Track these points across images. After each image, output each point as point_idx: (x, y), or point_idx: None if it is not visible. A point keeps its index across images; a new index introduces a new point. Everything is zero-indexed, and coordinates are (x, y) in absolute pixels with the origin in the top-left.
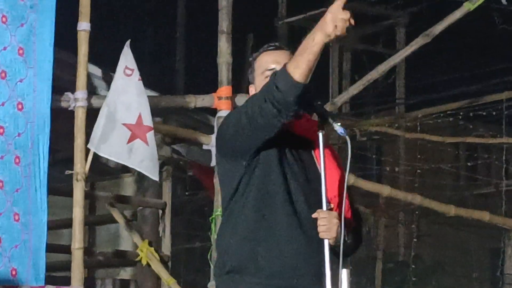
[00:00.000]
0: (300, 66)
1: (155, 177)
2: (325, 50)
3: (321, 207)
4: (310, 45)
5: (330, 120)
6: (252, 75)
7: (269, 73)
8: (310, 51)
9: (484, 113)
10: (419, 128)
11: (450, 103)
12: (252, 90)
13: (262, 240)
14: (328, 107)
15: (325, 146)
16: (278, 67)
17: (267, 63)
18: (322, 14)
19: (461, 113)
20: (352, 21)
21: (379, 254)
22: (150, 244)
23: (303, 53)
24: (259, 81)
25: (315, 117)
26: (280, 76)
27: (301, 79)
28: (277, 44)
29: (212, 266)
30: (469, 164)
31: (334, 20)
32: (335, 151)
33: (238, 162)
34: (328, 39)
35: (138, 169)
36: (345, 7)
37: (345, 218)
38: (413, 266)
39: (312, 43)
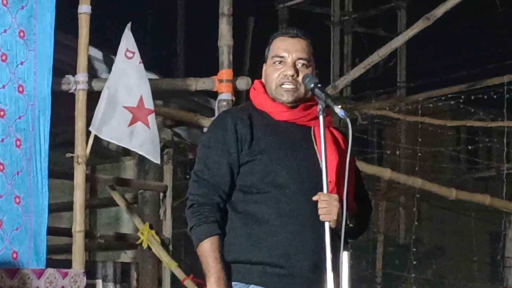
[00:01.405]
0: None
1: (157, 160)
2: (326, 33)
3: (315, 193)
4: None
5: (331, 103)
6: (266, 54)
7: (278, 59)
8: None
9: (485, 97)
10: (420, 112)
11: (451, 86)
12: (264, 69)
13: (255, 233)
14: (329, 90)
15: (328, 130)
16: (288, 56)
17: (279, 49)
18: None
19: (462, 97)
20: None
21: (379, 238)
22: (151, 227)
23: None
24: (268, 64)
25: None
26: (194, 237)
27: None
28: (295, 31)
29: None
30: (469, 147)
31: None
32: (340, 134)
33: None
34: None
35: (139, 152)
36: None
37: (346, 201)
38: (414, 250)
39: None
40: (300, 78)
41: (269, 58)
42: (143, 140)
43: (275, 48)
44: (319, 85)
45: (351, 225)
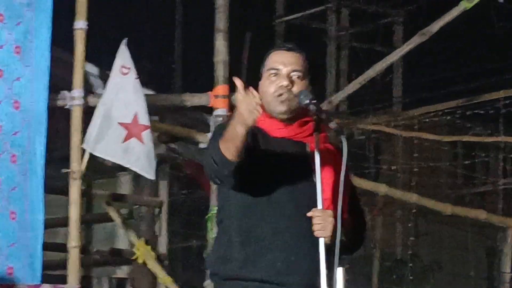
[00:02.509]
0: (230, 150)
1: (151, 176)
2: (323, 48)
3: (310, 209)
4: (235, 136)
5: (326, 119)
6: (262, 70)
7: (273, 71)
8: (237, 140)
9: (482, 112)
10: (416, 127)
11: (447, 101)
12: (260, 84)
13: (251, 250)
14: (324, 106)
15: (324, 146)
16: (282, 69)
17: (275, 63)
18: (320, 13)
19: (459, 112)
20: (258, 99)
21: (376, 253)
22: (146, 242)
23: (231, 141)
24: (263, 78)
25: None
26: (216, 151)
27: (233, 159)
28: (290, 45)
29: None
30: (466, 162)
31: (246, 109)
32: (336, 150)
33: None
34: (249, 126)
35: (133, 169)
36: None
37: (341, 216)
38: (411, 265)
39: (236, 133)
40: (295, 89)
41: (265, 71)
42: (138, 156)
43: (271, 62)
44: (314, 101)
45: (345, 240)
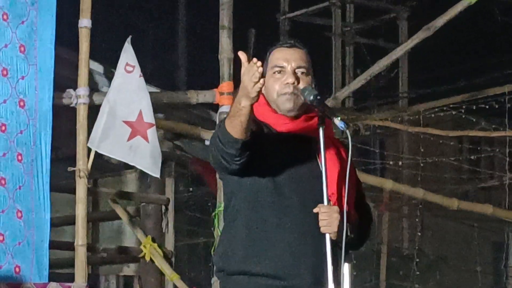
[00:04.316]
0: (235, 127)
1: (156, 174)
2: (328, 44)
3: (316, 205)
4: (239, 110)
5: (331, 115)
6: (265, 68)
7: (277, 69)
8: (241, 115)
9: (487, 106)
10: (421, 122)
11: (452, 96)
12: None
13: (256, 245)
14: (330, 102)
15: (330, 141)
16: (287, 66)
17: (278, 60)
18: (324, 9)
19: (464, 107)
20: (261, 69)
21: (383, 248)
22: (153, 240)
23: (235, 116)
24: (268, 76)
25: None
26: (221, 130)
27: (239, 136)
28: (292, 42)
29: None
30: (472, 157)
31: (250, 80)
32: (342, 145)
33: (228, 176)
34: (254, 100)
35: (138, 167)
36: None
37: (347, 212)
38: (417, 260)
39: (240, 107)
40: (301, 86)
41: (269, 69)
42: (142, 154)
43: (274, 59)
44: (318, 97)
45: (352, 236)
